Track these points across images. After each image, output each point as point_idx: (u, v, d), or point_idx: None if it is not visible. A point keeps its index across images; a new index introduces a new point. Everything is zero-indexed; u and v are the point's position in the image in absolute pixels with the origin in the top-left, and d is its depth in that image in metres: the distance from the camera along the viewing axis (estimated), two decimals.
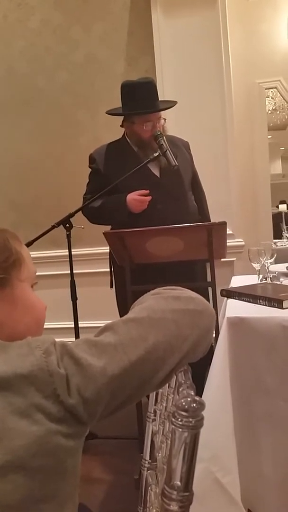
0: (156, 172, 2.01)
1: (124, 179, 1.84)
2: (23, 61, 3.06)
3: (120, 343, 0.53)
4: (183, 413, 0.44)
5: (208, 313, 0.62)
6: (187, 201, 2.06)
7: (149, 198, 1.89)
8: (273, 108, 3.39)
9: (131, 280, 1.78)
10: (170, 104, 2.03)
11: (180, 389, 0.54)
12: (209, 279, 1.77)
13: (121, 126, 2.06)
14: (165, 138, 1.90)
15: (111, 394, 0.52)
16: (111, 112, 2.06)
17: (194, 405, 0.44)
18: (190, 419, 0.44)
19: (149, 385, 0.55)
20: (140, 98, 1.90)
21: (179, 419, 0.44)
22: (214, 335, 0.72)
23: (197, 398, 0.46)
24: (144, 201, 1.90)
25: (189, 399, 0.45)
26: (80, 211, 1.99)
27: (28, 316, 0.68)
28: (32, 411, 0.49)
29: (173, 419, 0.44)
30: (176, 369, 0.58)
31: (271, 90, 3.01)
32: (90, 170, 2.12)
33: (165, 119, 2.01)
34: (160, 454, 0.67)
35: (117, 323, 0.57)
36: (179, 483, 0.44)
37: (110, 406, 0.54)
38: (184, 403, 0.45)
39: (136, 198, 1.89)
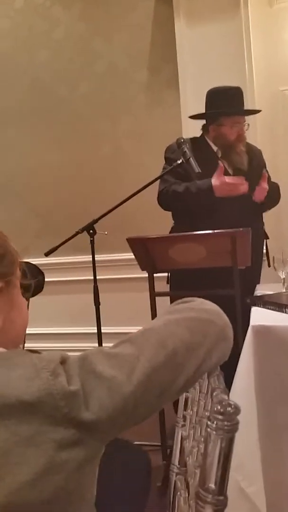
0: (230, 170, 2.06)
1: (198, 176, 1.87)
2: (47, 72, 3.14)
3: (141, 352, 0.53)
4: (219, 416, 0.44)
5: (221, 322, 0.63)
6: (257, 204, 2.06)
7: (242, 180, 1.89)
8: None
9: (170, 286, 1.78)
10: (256, 111, 2.22)
11: (214, 394, 0.55)
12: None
13: (203, 129, 2.13)
14: (188, 146, 1.91)
15: (134, 404, 0.50)
16: (197, 117, 2.13)
17: (229, 409, 0.45)
18: (226, 423, 0.44)
19: (168, 393, 0.54)
20: (233, 101, 2.03)
21: (215, 423, 0.44)
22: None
23: (232, 402, 0.46)
24: (236, 185, 1.89)
25: (224, 403, 0.46)
26: (98, 220, 1.98)
27: (20, 318, 0.66)
28: (39, 440, 0.45)
29: (208, 422, 0.45)
30: (195, 377, 0.58)
31: None
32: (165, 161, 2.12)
33: (248, 124, 2.10)
34: (190, 459, 0.67)
35: (134, 335, 0.56)
36: (213, 486, 0.44)
37: (131, 418, 0.51)
38: (220, 407, 0.45)
39: (226, 181, 1.89)
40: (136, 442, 2.00)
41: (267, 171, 2.16)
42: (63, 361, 0.50)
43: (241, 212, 1.95)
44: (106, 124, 3.05)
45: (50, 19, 3.10)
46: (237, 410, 0.45)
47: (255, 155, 2.16)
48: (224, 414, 0.44)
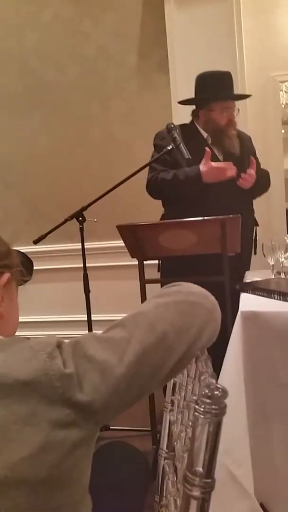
0: (220, 157, 2.04)
1: (187, 162, 1.84)
2: (35, 55, 3.07)
3: (132, 336, 0.54)
4: (207, 400, 0.44)
5: (210, 305, 0.64)
6: (247, 191, 2.05)
7: (230, 164, 1.88)
8: (287, 102, 3.35)
9: (161, 273, 1.78)
10: (246, 96, 2.19)
11: (202, 378, 0.55)
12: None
13: (193, 115, 2.11)
14: (178, 131, 1.89)
15: (127, 385, 0.51)
16: (186, 102, 2.10)
17: (217, 392, 0.45)
18: (214, 406, 0.44)
19: (160, 374, 0.55)
20: (223, 86, 2.01)
21: (203, 406, 0.44)
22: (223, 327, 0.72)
23: (219, 386, 0.46)
24: (223, 169, 1.88)
25: (212, 386, 0.45)
26: (87, 207, 1.97)
27: (15, 315, 0.70)
28: (36, 419, 0.47)
29: (196, 406, 0.45)
30: (186, 358, 0.59)
31: (286, 83, 2.97)
32: (154, 147, 2.11)
33: (238, 109, 2.08)
34: (178, 443, 0.68)
35: (124, 319, 0.58)
36: (201, 469, 0.44)
37: (125, 399, 0.53)
38: (207, 391, 0.45)
39: (215, 166, 1.87)
40: (126, 427, 2.03)
41: (256, 158, 2.15)
42: (59, 345, 0.52)
43: (231, 199, 1.95)
44: (96, 108, 3.00)
45: (38, 1, 3.02)
46: (224, 393, 0.45)
47: (244, 141, 2.14)
48: (212, 398, 0.44)
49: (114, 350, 0.52)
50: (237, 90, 2.62)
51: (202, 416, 0.44)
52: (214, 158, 2.01)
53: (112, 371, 0.50)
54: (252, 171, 1.98)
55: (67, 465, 0.48)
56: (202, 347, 0.63)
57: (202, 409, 0.44)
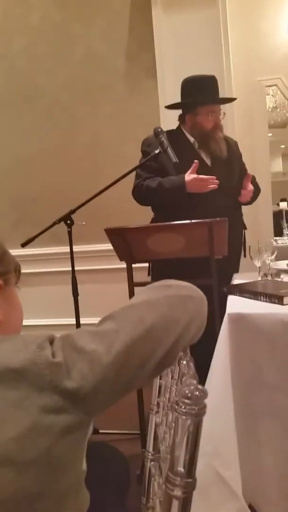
0: (208, 161, 2.05)
1: (175, 167, 1.85)
2: (23, 58, 3.07)
3: (121, 327, 0.56)
4: (187, 401, 0.45)
5: (199, 298, 0.67)
6: (235, 194, 2.08)
7: (213, 178, 1.88)
8: (274, 106, 3.39)
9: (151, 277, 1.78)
10: (232, 99, 2.21)
11: (183, 379, 0.55)
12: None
13: (179, 119, 2.12)
14: (165, 136, 1.90)
15: (115, 373, 0.53)
16: (173, 107, 2.12)
17: (197, 393, 0.45)
18: (193, 407, 0.44)
19: (148, 365, 0.57)
20: (208, 90, 2.02)
21: (183, 407, 0.45)
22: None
23: (200, 386, 0.47)
24: (206, 181, 1.88)
25: (192, 387, 0.46)
26: (76, 210, 1.97)
27: (18, 312, 0.72)
28: (25, 404, 0.49)
29: (176, 407, 0.45)
30: (174, 351, 0.60)
31: (272, 87, 3.01)
32: (141, 154, 2.12)
33: (224, 113, 2.10)
34: (163, 445, 0.68)
35: (115, 312, 0.60)
36: (182, 469, 0.45)
37: (114, 388, 0.54)
38: (187, 391, 0.46)
39: (198, 177, 1.88)
40: (116, 431, 2.02)
41: (242, 162, 2.18)
42: (50, 338, 0.55)
43: (220, 203, 1.97)
44: (84, 112, 3.01)
45: (25, 4, 3.02)
46: (204, 394, 0.46)
47: (231, 146, 2.16)
48: (191, 398, 0.45)
49: (103, 341, 0.54)
50: (224, 95, 2.66)
51: (182, 416, 0.44)
52: (202, 162, 2.03)
53: (100, 360, 0.52)
54: (251, 187, 2.03)
55: (58, 450, 0.49)
56: (190, 339, 0.64)
57: (182, 410, 0.44)
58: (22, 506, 0.48)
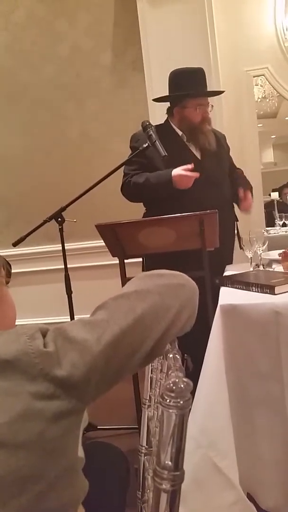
0: (197, 154, 2.04)
1: (164, 160, 1.85)
2: (8, 55, 3.03)
3: (111, 317, 0.58)
4: (171, 393, 0.45)
5: (190, 287, 0.68)
6: (225, 186, 2.08)
7: (196, 174, 1.88)
8: (263, 96, 3.38)
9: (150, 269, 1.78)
10: (219, 92, 2.17)
11: (169, 372, 0.55)
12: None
13: (167, 113, 2.11)
14: (153, 129, 1.89)
15: (105, 362, 0.54)
16: (161, 100, 2.10)
17: (182, 385, 0.45)
18: (178, 399, 0.44)
19: (139, 353, 0.58)
20: (196, 83, 2.01)
21: (167, 400, 0.45)
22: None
23: (184, 379, 0.47)
24: (190, 177, 1.88)
25: (176, 380, 0.46)
26: (66, 207, 1.96)
27: (10, 311, 0.74)
28: (17, 392, 0.51)
29: (161, 400, 0.45)
30: (164, 339, 0.61)
31: (260, 77, 3.00)
32: (130, 150, 2.10)
33: (212, 106, 2.09)
34: (155, 439, 0.68)
35: (107, 302, 0.62)
36: (169, 462, 0.45)
37: (105, 376, 0.55)
38: (171, 384, 0.46)
39: (183, 174, 1.88)
40: (114, 426, 2.03)
41: (229, 156, 2.17)
42: (42, 330, 0.57)
43: (211, 195, 1.96)
44: (72, 107, 2.98)
45: (9, 1, 2.98)
46: (188, 386, 0.46)
47: (219, 139, 2.15)
48: (175, 391, 0.45)
49: (94, 330, 0.56)
50: (212, 86, 2.64)
51: (167, 409, 0.44)
52: (191, 155, 2.02)
53: (90, 349, 0.54)
54: (250, 198, 2.08)
55: (51, 435, 0.51)
56: (181, 327, 0.65)
57: (166, 403, 0.44)
58: (17, 487, 0.49)
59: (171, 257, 1.82)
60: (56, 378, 0.52)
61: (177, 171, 1.88)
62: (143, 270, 2.11)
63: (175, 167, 1.90)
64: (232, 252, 2.16)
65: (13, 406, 0.50)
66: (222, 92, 2.20)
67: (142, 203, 2.14)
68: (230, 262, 2.10)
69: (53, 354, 0.53)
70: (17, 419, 0.49)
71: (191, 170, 1.87)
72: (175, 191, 1.90)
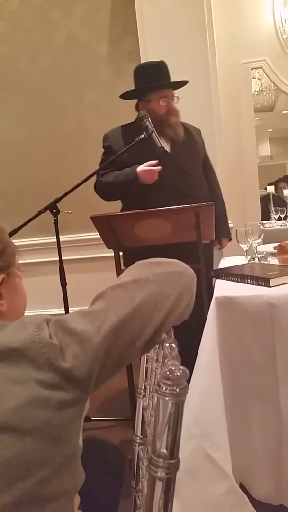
0: (167, 147, 2.02)
1: (134, 155, 1.85)
2: (3, 44, 2.99)
3: (110, 307, 0.58)
4: (167, 381, 0.44)
5: (188, 274, 0.69)
6: (197, 176, 2.07)
7: (158, 168, 1.88)
8: (260, 89, 3.36)
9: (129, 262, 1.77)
10: (183, 82, 2.08)
11: (166, 361, 0.55)
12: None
13: (136, 109, 2.09)
14: (150, 120, 1.88)
15: (105, 353, 0.55)
16: (127, 96, 2.09)
17: (178, 373, 0.45)
18: (174, 387, 0.44)
19: (139, 342, 0.59)
20: (155, 76, 1.99)
21: (164, 388, 0.45)
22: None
23: (180, 367, 0.46)
24: (154, 172, 1.88)
25: (172, 368, 0.46)
26: (61, 199, 1.94)
27: (22, 301, 0.75)
28: (24, 379, 0.52)
29: (157, 388, 0.45)
30: (163, 327, 0.62)
31: (258, 70, 2.99)
32: (103, 149, 2.12)
33: (178, 97, 2.06)
34: (149, 428, 0.68)
35: (106, 291, 0.62)
36: (165, 451, 0.45)
37: (106, 366, 0.56)
38: (168, 372, 0.45)
39: (146, 169, 1.89)
40: (108, 418, 2.04)
41: (205, 151, 2.17)
42: (48, 320, 0.58)
43: (187, 186, 1.97)
44: (68, 98, 2.95)
45: None
46: (185, 374, 0.45)
47: (191, 132, 2.13)
48: (172, 379, 0.44)
49: (93, 321, 0.57)
50: (209, 78, 2.63)
51: (163, 397, 0.44)
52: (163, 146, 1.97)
53: (90, 340, 0.55)
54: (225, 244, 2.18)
55: (56, 422, 0.52)
56: (180, 315, 0.66)
57: (163, 391, 0.44)
58: (23, 470, 0.50)
59: (165, 249, 1.81)
60: (61, 368, 0.53)
61: (141, 168, 1.89)
62: (124, 265, 2.07)
63: (144, 159, 1.90)
64: (211, 245, 2.13)
65: (21, 393, 0.51)
66: (186, 82, 2.07)
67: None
68: (209, 255, 2.09)
69: (58, 347, 0.54)
70: (25, 406, 0.51)
71: (156, 165, 1.88)
72: (144, 186, 1.90)
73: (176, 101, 2.06)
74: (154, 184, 1.91)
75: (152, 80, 1.98)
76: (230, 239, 2.22)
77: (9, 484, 0.50)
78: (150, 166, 1.88)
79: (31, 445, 0.51)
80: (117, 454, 0.98)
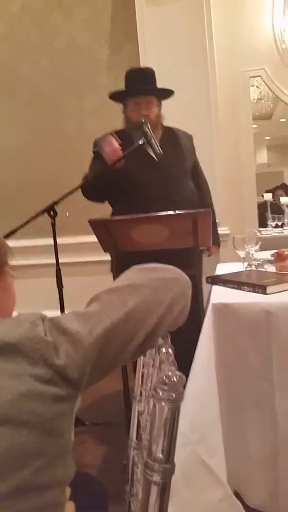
0: (153, 153, 2.01)
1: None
2: (4, 47, 3.01)
3: (103, 311, 0.60)
4: (164, 386, 0.45)
5: (183, 280, 0.70)
6: (185, 183, 2.07)
7: (118, 141, 1.88)
8: (258, 97, 3.39)
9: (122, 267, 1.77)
10: (166, 91, 2.03)
11: (162, 366, 0.56)
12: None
13: (123, 111, 2.10)
14: (149, 126, 1.89)
15: (97, 354, 0.57)
16: (112, 98, 2.11)
17: (175, 379, 0.45)
18: (171, 393, 0.45)
19: (131, 346, 0.60)
20: (132, 82, 1.98)
21: (160, 393, 0.45)
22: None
23: (177, 372, 0.47)
24: (114, 144, 1.87)
25: (169, 373, 0.46)
26: (59, 201, 1.94)
27: (12, 299, 0.76)
28: (20, 374, 0.54)
29: (154, 393, 0.45)
30: (156, 332, 0.63)
31: (256, 79, 3.01)
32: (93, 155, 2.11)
33: (160, 104, 2.04)
34: (145, 433, 0.68)
35: (101, 294, 0.63)
36: (161, 455, 0.45)
37: (98, 367, 0.58)
38: (164, 378, 0.46)
39: (107, 147, 1.88)
40: (102, 422, 2.03)
41: (195, 157, 2.16)
42: (42, 318, 0.59)
43: (172, 187, 1.98)
44: (69, 101, 2.97)
45: None
46: (181, 380, 0.46)
47: (181, 139, 2.11)
48: (168, 384, 0.45)
49: (87, 323, 0.58)
50: (208, 85, 2.66)
51: (160, 402, 0.45)
52: (146, 154, 1.98)
53: (82, 341, 0.56)
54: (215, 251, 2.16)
55: (50, 416, 0.54)
56: (173, 320, 0.67)
57: (159, 396, 0.45)
58: (19, 460, 0.52)
59: (161, 255, 1.82)
60: (54, 365, 0.54)
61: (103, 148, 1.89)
62: (111, 271, 2.06)
63: (130, 165, 1.89)
64: (201, 253, 2.13)
65: (17, 386, 0.53)
66: (156, 89, 2.03)
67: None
68: (200, 260, 2.07)
69: (52, 344, 0.55)
70: (20, 398, 0.52)
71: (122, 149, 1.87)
72: (127, 189, 1.90)
73: (158, 110, 2.02)
74: (137, 187, 1.90)
75: (129, 86, 1.99)
76: (219, 246, 2.22)
77: (7, 473, 0.51)
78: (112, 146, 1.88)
79: (27, 436, 0.52)
80: (100, 492, 0.95)
